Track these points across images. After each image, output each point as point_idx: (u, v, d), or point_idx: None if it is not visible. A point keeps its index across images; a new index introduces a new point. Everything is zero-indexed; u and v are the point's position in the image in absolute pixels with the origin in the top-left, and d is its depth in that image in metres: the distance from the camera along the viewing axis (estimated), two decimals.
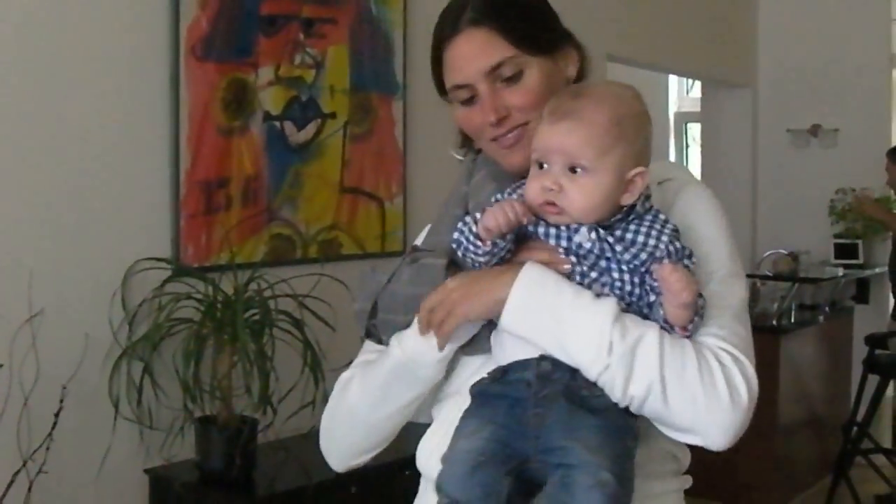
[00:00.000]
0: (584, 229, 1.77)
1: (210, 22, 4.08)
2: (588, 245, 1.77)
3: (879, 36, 9.05)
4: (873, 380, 7.31)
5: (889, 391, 7.38)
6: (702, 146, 9.77)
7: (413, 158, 4.92)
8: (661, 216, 1.81)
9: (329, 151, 4.60)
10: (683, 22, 7.98)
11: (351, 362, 2.11)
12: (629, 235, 1.77)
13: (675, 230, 1.79)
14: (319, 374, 3.79)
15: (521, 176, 1.91)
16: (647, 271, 1.76)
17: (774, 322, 7.29)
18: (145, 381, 3.68)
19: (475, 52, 1.93)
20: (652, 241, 1.76)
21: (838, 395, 8.15)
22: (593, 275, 1.78)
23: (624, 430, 1.74)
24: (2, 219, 3.55)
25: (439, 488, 1.76)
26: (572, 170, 1.77)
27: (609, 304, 1.75)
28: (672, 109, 11.63)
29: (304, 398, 3.80)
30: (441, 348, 1.85)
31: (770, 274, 8.13)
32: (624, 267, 1.76)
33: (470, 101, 1.96)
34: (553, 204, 1.78)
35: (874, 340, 7.42)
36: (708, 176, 9.36)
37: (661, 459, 1.93)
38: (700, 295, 1.75)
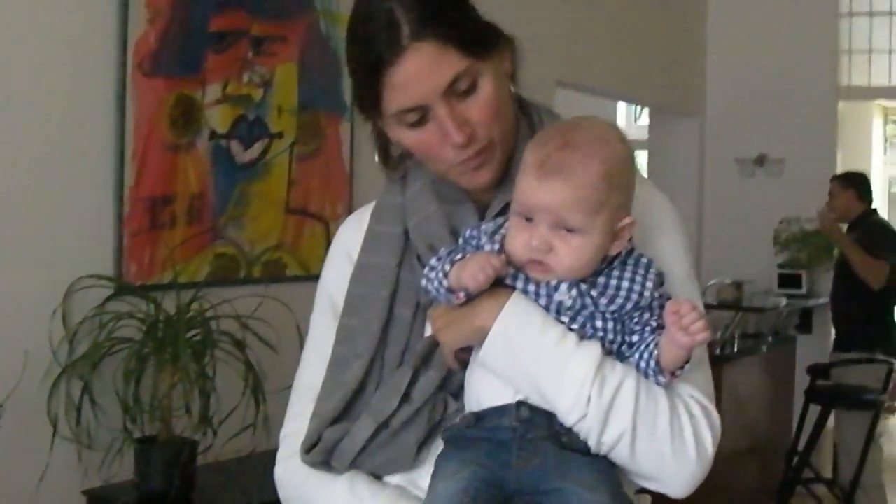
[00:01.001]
0: (563, 286, 1.70)
1: (158, 37, 4.04)
2: (569, 302, 1.70)
3: (826, 67, 9.14)
4: (815, 409, 7.35)
5: (830, 421, 7.41)
6: (648, 174, 9.79)
7: (360, 179, 4.89)
8: (644, 259, 1.74)
9: (275, 171, 4.56)
10: (633, 49, 8.02)
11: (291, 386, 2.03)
12: (613, 282, 1.71)
13: (660, 274, 1.73)
14: (261, 395, 3.76)
15: (463, 190, 1.86)
16: (629, 317, 1.71)
17: (718, 351, 7.31)
18: (85, 400, 3.63)
19: (426, 70, 1.73)
20: (637, 288, 1.70)
21: (780, 424, 8.19)
22: (574, 327, 1.71)
23: (612, 464, 1.72)
24: None
25: None
26: (563, 228, 1.68)
27: (592, 352, 1.69)
28: None
29: (245, 420, 3.76)
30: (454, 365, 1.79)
31: (714, 303, 8.17)
32: (608, 315, 1.71)
33: (420, 123, 1.78)
34: (539, 262, 1.70)
35: (816, 370, 7.47)
36: None
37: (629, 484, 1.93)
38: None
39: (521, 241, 1.70)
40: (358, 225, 2.03)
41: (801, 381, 7.84)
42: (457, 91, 1.75)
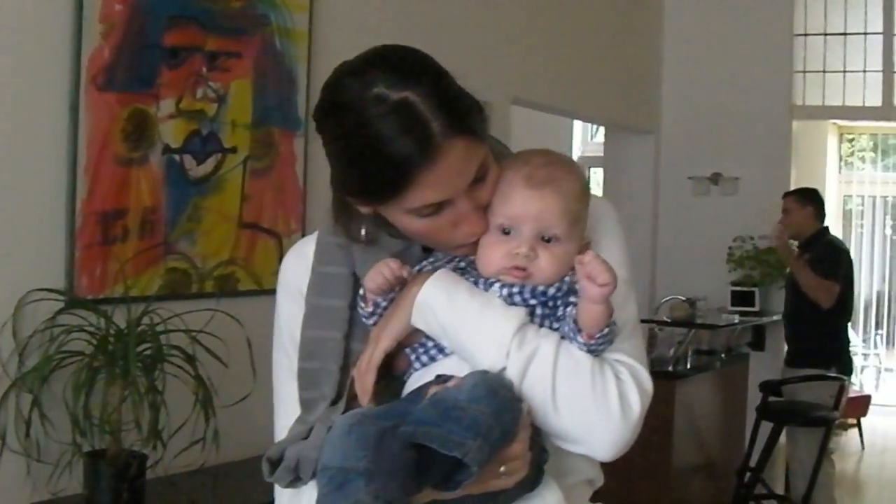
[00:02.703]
0: (497, 285, 1.79)
1: (112, 51, 4.04)
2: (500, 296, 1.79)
3: (780, 86, 9.23)
4: (767, 426, 7.40)
5: (782, 438, 7.46)
6: (604, 191, 9.85)
7: (313, 195, 4.91)
8: None
9: (228, 186, 4.57)
10: (588, 67, 8.07)
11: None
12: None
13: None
14: (211, 410, 3.76)
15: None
16: (561, 304, 1.78)
17: (670, 367, 7.36)
18: (34, 413, 3.62)
19: (458, 167, 1.71)
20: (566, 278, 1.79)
21: (732, 440, 8.24)
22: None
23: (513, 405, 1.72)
24: None
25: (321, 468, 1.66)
26: (543, 238, 1.77)
27: (516, 313, 1.75)
28: (576, 154, 11.72)
29: (195, 434, 3.76)
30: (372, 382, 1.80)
31: (667, 319, 8.22)
32: (538, 310, 1.79)
33: (435, 212, 1.76)
34: (522, 269, 1.76)
35: (769, 387, 7.52)
36: None
37: (586, 488, 1.94)
38: (613, 321, 1.75)
39: (500, 251, 1.78)
40: (303, 261, 2.02)
41: (754, 397, 7.90)
42: (475, 179, 1.76)
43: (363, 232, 1.91)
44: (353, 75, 1.73)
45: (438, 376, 1.76)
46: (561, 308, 1.78)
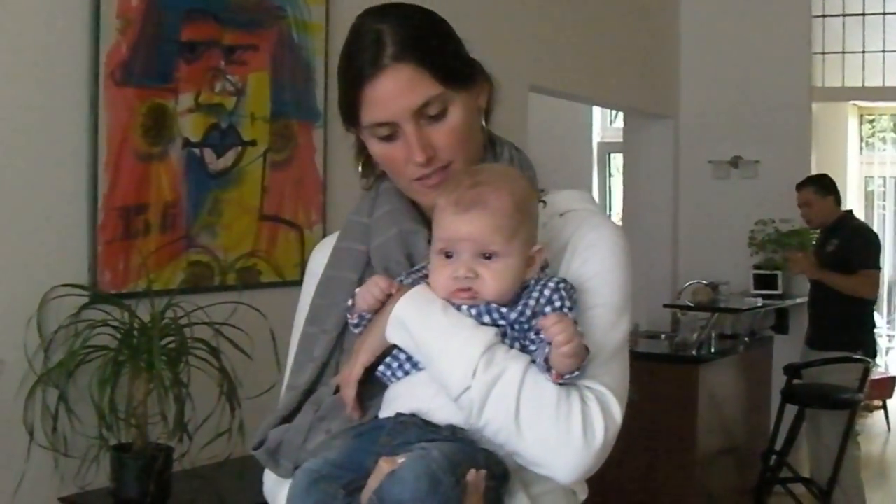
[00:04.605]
0: (465, 307, 1.84)
1: (130, 47, 4.06)
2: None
3: (800, 69, 9.18)
4: (792, 409, 7.39)
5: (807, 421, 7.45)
6: (624, 176, 9.83)
7: (333, 186, 4.92)
8: (553, 277, 1.86)
9: (248, 179, 4.58)
10: (606, 53, 8.05)
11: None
12: (521, 298, 1.84)
13: (560, 282, 1.84)
14: (236, 402, 3.78)
15: (422, 219, 2.00)
16: (529, 328, 1.82)
17: (694, 352, 7.36)
18: (60, 408, 3.64)
19: (401, 90, 1.88)
20: (535, 295, 1.82)
21: (757, 424, 8.24)
22: None
23: (470, 454, 1.77)
24: None
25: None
26: (483, 256, 1.82)
27: (486, 334, 1.80)
28: (595, 139, 11.70)
29: (220, 426, 3.78)
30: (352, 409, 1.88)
31: (690, 304, 8.21)
32: (507, 331, 1.83)
33: (390, 138, 1.93)
34: (467, 290, 1.82)
35: (792, 370, 7.51)
36: (630, 206, 9.45)
37: (561, 496, 1.95)
38: (585, 347, 1.79)
39: (445, 275, 1.84)
40: (328, 250, 2.15)
41: (778, 381, 7.89)
42: (426, 114, 1.90)
43: (360, 168, 2.11)
44: (360, 15, 1.98)
45: (399, 415, 1.82)
46: (531, 333, 1.82)
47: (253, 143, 4.60)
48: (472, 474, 1.72)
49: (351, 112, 1.96)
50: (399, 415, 1.82)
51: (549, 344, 1.76)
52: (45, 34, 3.85)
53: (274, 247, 4.70)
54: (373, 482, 1.70)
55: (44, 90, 3.84)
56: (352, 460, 1.76)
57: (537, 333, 1.80)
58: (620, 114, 10.36)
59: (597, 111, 11.26)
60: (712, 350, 7.56)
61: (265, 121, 4.66)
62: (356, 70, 1.91)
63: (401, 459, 1.70)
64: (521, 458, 1.81)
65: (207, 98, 4.39)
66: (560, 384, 1.78)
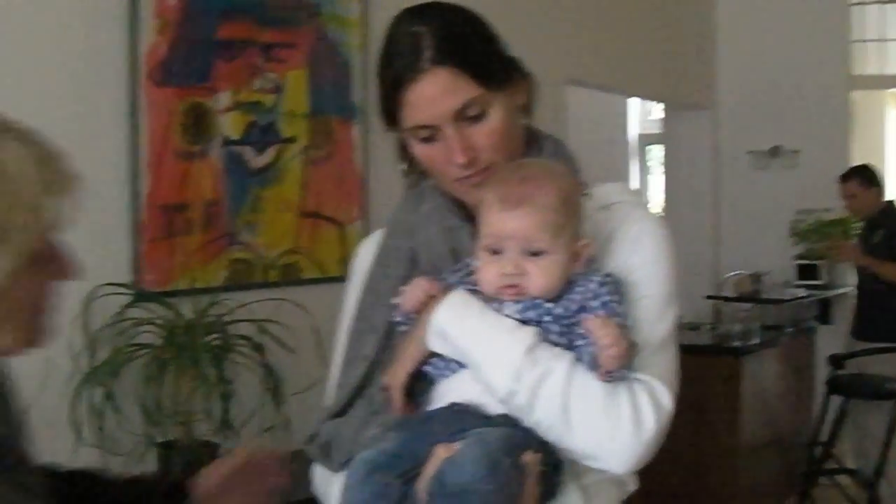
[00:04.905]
0: (510, 303, 1.85)
1: (169, 47, 4.08)
2: (517, 315, 1.84)
3: (838, 57, 9.11)
4: (837, 400, 7.35)
5: (852, 411, 7.40)
6: (664, 168, 9.80)
7: (372, 181, 4.93)
8: (599, 272, 1.87)
9: (288, 175, 4.60)
10: (643, 45, 8.03)
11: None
12: (566, 293, 1.85)
13: (614, 283, 1.85)
14: (280, 397, 3.80)
15: (465, 215, 2.00)
16: (575, 323, 1.82)
17: (737, 343, 7.32)
18: (106, 406, 3.66)
19: (440, 94, 1.90)
20: (581, 292, 1.83)
21: (801, 415, 8.19)
22: None
23: (525, 439, 1.78)
24: None
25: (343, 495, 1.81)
26: (530, 252, 1.82)
27: (526, 334, 1.80)
28: (633, 132, 11.66)
29: (265, 422, 3.80)
30: (403, 397, 1.89)
31: (732, 295, 8.17)
32: (561, 322, 1.83)
33: (431, 140, 1.94)
34: (514, 286, 1.82)
35: (836, 360, 7.46)
36: (670, 198, 9.41)
37: (613, 486, 1.96)
38: (630, 340, 1.80)
39: (492, 271, 1.84)
40: (372, 247, 2.18)
41: (822, 371, 7.85)
42: (466, 116, 1.91)
43: (404, 167, 2.11)
44: (397, 16, 2.00)
45: (453, 404, 1.84)
46: (577, 328, 1.82)
47: (292, 140, 4.61)
48: (528, 455, 1.73)
49: (391, 114, 1.98)
50: (453, 404, 1.84)
51: (587, 342, 1.77)
52: (84, 36, 3.87)
53: (315, 243, 4.71)
54: (429, 469, 1.71)
55: (84, 92, 3.87)
56: (407, 450, 1.77)
57: (579, 326, 1.81)
58: (658, 105, 10.32)
59: (634, 103, 11.21)
60: (755, 341, 7.51)
61: (304, 118, 4.67)
62: (395, 74, 1.93)
63: (457, 445, 1.70)
64: (573, 453, 1.82)
65: (246, 96, 4.41)
66: (607, 381, 1.79)
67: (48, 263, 1.60)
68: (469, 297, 1.86)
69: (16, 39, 3.68)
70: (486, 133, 1.93)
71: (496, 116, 1.93)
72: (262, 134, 4.49)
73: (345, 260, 4.72)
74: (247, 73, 4.41)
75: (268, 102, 4.51)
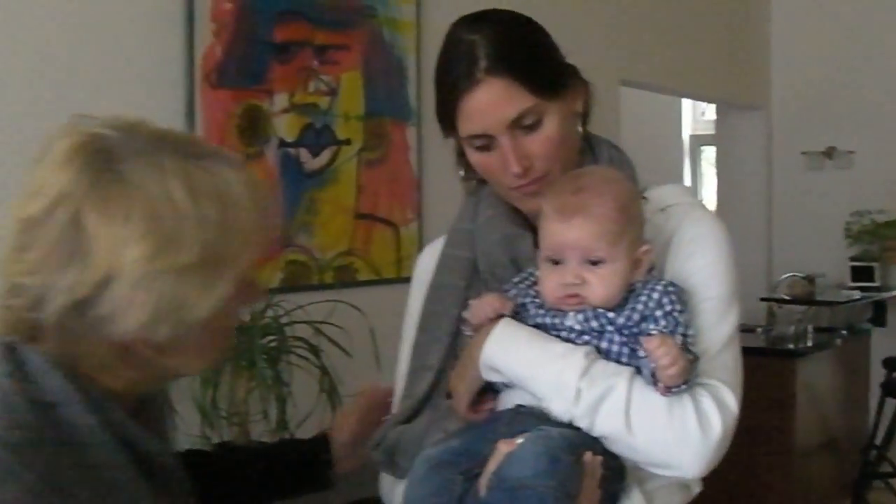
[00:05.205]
0: (571, 313, 1.86)
1: (224, 49, 4.10)
2: (578, 326, 1.85)
3: (894, 55, 9.02)
4: (892, 403, 7.30)
5: None
6: (717, 169, 9.75)
7: (427, 183, 4.93)
8: (661, 280, 1.89)
9: (344, 178, 4.61)
10: (696, 45, 7.99)
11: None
12: (628, 303, 1.86)
13: (676, 291, 1.85)
14: (336, 399, 3.80)
15: (524, 223, 2.04)
16: (638, 333, 1.83)
17: (791, 345, 7.28)
18: None
19: (495, 104, 1.91)
20: (644, 302, 1.84)
21: (856, 418, 8.13)
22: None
23: (588, 440, 1.80)
24: None
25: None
26: (589, 261, 1.84)
27: (578, 356, 1.80)
28: (686, 132, 11.62)
29: (322, 424, 3.79)
30: (470, 417, 1.92)
31: (786, 297, 8.12)
32: (623, 332, 1.84)
33: (486, 148, 1.96)
34: (574, 296, 1.84)
35: (892, 363, 7.41)
36: (723, 199, 9.37)
37: (675, 491, 1.96)
38: (691, 353, 1.80)
39: (553, 281, 1.87)
40: (434, 254, 2.24)
41: (877, 374, 7.80)
42: (521, 125, 1.93)
43: (462, 173, 2.15)
44: (454, 23, 2.03)
45: (518, 406, 1.86)
46: (640, 336, 1.82)
47: (347, 142, 4.62)
48: (589, 456, 1.73)
49: (448, 122, 2.00)
50: (519, 406, 1.85)
51: (652, 328, 1.79)
52: (140, 39, 3.89)
53: (370, 245, 4.71)
54: (491, 465, 1.72)
55: (140, 94, 3.89)
56: (471, 448, 1.78)
57: (643, 334, 1.82)
58: (711, 105, 10.27)
59: (687, 103, 11.16)
60: (809, 343, 7.47)
61: (359, 120, 4.68)
62: (451, 83, 1.95)
63: (519, 440, 1.71)
64: (643, 463, 1.83)
65: (301, 98, 4.42)
66: (667, 396, 1.79)
67: (248, 287, 1.63)
68: (515, 326, 1.88)
69: (72, 42, 3.70)
70: (541, 142, 1.94)
71: (551, 125, 1.94)
72: (318, 136, 4.50)
73: (400, 262, 4.74)
74: (302, 76, 4.43)
75: (323, 104, 4.52)
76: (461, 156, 2.10)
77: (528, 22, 2.04)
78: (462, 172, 2.15)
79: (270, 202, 1.70)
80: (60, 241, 1.51)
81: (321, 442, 2.29)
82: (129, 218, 1.49)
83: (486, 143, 1.94)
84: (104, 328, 1.53)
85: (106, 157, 1.55)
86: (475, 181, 2.15)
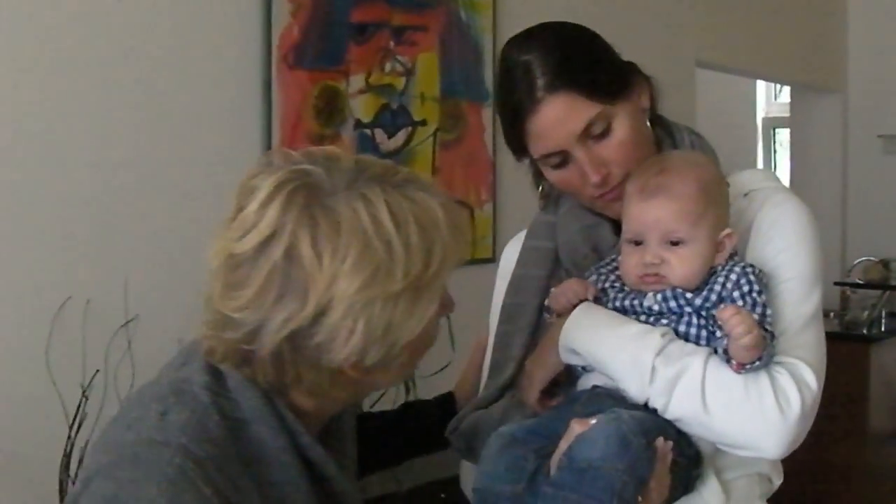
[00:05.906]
0: (650, 293, 1.86)
1: (302, 30, 4.11)
2: (656, 307, 1.85)
3: None
4: None
5: None
6: (791, 152, 9.66)
7: (502, 165, 4.93)
8: (741, 262, 1.87)
9: (419, 158, 4.62)
10: (772, 27, 7.92)
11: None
12: (707, 284, 1.85)
13: (756, 274, 1.84)
14: (411, 381, 3.81)
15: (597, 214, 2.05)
16: (714, 308, 1.82)
17: (865, 330, 7.22)
18: None
19: (561, 120, 1.90)
20: (722, 283, 1.84)
21: None
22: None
23: (662, 425, 1.79)
24: (98, 226, 3.59)
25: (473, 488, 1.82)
26: (670, 242, 1.84)
27: (654, 337, 1.80)
28: (760, 115, 11.52)
29: (396, 403, 3.81)
30: (538, 408, 1.93)
31: (860, 282, 8.05)
32: (702, 314, 1.83)
33: (562, 164, 1.96)
34: (654, 275, 1.84)
35: None
36: (797, 182, 9.27)
37: (755, 482, 1.95)
38: (769, 332, 1.78)
39: (633, 261, 1.87)
40: (517, 245, 2.25)
41: None
42: (592, 134, 1.92)
43: (541, 189, 2.17)
44: (506, 45, 2.01)
45: (595, 387, 1.87)
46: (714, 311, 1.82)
47: (423, 122, 4.63)
48: (660, 441, 1.73)
49: (518, 146, 2.01)
50: (595, 387, 1.86)
51: (728, 335, 1.76)
52: (219, 20, 3.91)
53: None
54: (563, 444, 1.72)
55: (219, 75, 3.91)
56: (545, 427, 1.80)
57: (711, 325, 1.82)
58: (785, 88, 10.18)
59: (761, 86, 11.07)
60: (883, 328, 7.40)
61: (435, 101, 4.68)
62: (513, 106, 1.95)
63: (592, 421, 1.71)
64: (721, 444, 1.82)
65: (378, 79, 4.43)
66: (741, 373, 1.78)
67: (446, 301, 1.69)
68: (595, 309, 1.88)
69: (150, 25, 3.73)
70: (614, 147, 1.94)
71: (621, 128, 1.94)
72: (394, 117, 4.51)
73: (475, 243, 4.74)
74: (379, 56, 4.43)
75: (399, 85, 4.52)
76: (537, 175, 2.12)
77: (576, 29, 2.02)
78: (540, 188, 2.18)
79: (465, 221, 1.74)
80: (275, 277, 1.55)
81: (448, 401, 2.33)
82: (341, 250, 1.53)
83: (561, 159, 1.95)
84: (317, 356, 1.58)
85: (314, 192, 1.58)
86: (554, 199, 2.18)
